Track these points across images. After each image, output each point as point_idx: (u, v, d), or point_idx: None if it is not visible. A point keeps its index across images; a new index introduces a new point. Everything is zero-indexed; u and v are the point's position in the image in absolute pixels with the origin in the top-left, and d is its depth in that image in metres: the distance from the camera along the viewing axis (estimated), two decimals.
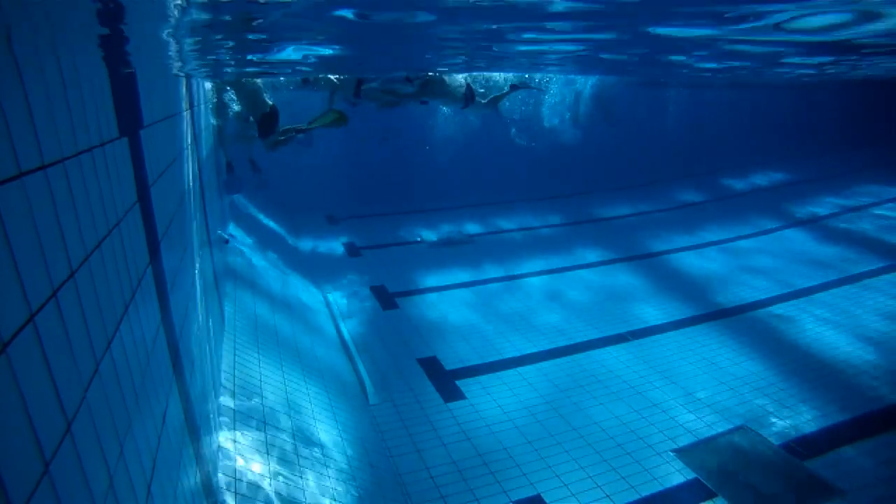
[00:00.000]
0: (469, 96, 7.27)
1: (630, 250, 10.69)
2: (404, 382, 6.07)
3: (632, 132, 16.30)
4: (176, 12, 1.74)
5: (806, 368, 6.18)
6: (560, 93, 14.87)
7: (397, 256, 10.54)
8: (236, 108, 6.96)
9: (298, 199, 12.47)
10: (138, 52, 2.45)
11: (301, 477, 3.77)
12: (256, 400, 4.39)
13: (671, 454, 4.87)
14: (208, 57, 3.20)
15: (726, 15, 2.54)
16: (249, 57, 3.48)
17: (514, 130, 14.51)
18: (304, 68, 4.84)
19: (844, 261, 9.64)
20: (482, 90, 8.01)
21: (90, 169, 1.67)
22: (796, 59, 5.19)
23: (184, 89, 4.30)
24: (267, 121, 6.96)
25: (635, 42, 3.69)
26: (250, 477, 3.44)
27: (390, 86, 7.22)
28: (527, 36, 3.34)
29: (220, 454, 3.47)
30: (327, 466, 4.10)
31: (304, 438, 4.27)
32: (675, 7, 2.33)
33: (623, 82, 14.08)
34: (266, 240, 9.63)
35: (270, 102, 7.14)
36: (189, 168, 4.17)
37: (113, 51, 2.13)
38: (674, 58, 5.03)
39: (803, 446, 4.88)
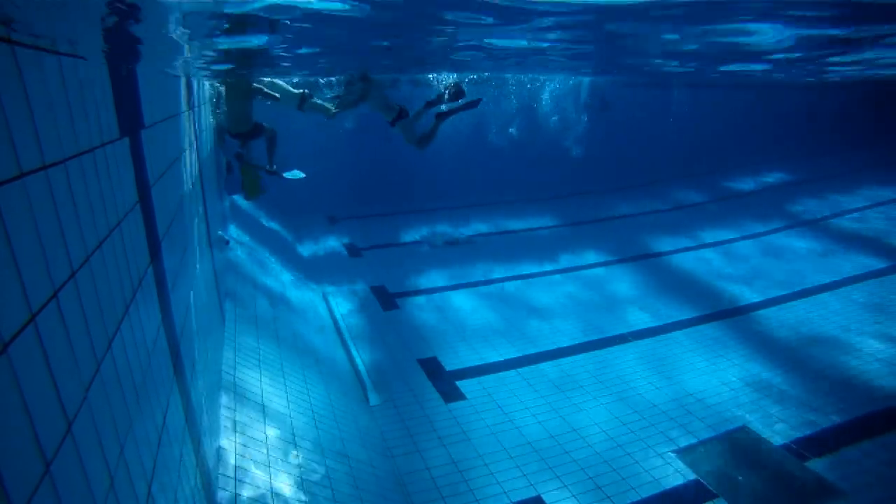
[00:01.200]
0: (402, 112, 6.60)
1: (630, 250, 10.69)
2: (405, 383, 6.06)
3: (632, 132, 16.30)
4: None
5: (806, 369, 6.17)
6: (557, 91, 14.91)
7: (397, 257, 10.54)
8: (222, 108, 6.74)
9: (299, 199, 12.47)
10: (139, 52, 2.46)
11: (301, 477, 3.76)
12: (257, 400, 4.39)
13: (672, 455, 4.86)
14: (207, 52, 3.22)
15: None
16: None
17: (512, 129, 14.50)
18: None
19: (845, 261, 9.63)
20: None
21: (91, 169, 1.67)
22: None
23: (184, 89, 4.30)
24: (242, 138, 6.75)
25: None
26: (250, 477, 3.44)
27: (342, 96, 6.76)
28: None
29: (220, 454, 3.47)
30: (328, 467, 4.10)
31: (305, 438, 4.26)
32: None
33: (622, 82, 14.10)
34: (266, 240, 9.64)
35: (267, 125, 6.98)
36: (190, 168, 4.17)
37: (114, 50, 2.13)
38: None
39: (804, 447, 4.88)
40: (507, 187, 14.71)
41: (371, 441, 4.99)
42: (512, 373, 6.28)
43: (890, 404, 5.44)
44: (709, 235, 11.53)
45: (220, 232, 6.70)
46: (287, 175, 7.96)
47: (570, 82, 14.80)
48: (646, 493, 4.44)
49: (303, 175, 8.11)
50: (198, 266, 3.98)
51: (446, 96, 6.66)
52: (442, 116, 6.74)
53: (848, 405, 5.45)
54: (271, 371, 5.05)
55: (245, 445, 3.72)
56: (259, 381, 4.70)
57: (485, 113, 14.70)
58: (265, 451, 3.81)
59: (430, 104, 6.74)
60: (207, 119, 6.51)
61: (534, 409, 5.59)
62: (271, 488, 3.46)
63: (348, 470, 4.25)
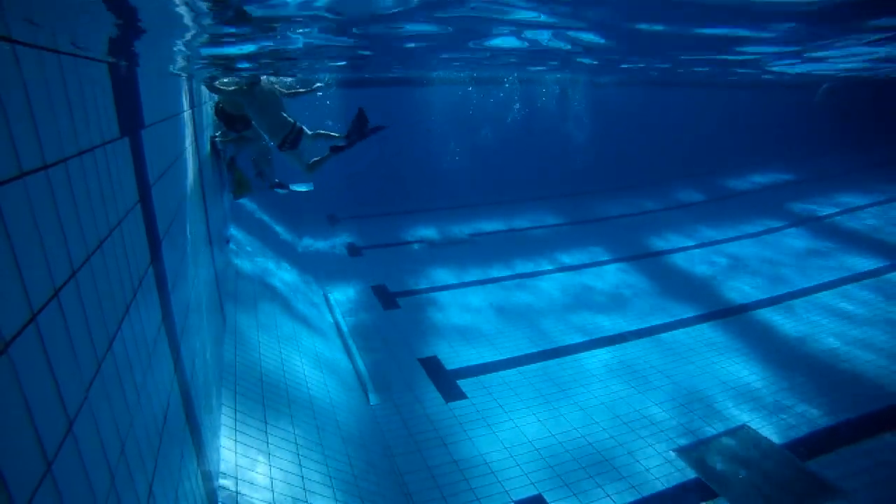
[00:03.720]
0: (294, 137, 6.15)
1: (630, 250, 10.69)
2: (405, 382, 6.07)
3: (632, 132, 16.30)
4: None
5: (807, 368, 6.17)
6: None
7: (398, 256, 10.54)
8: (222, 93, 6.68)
9: (299, 199, 12.46)
10: (140, 52, 2.46)
11: (302, 476, 3.77)
12: (257, 398, 4.39)
13: (672, 454, 4.87)
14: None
15: None
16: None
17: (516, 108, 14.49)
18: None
19: (845, 261, 9.63)
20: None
21: (91, 169, 1.68)
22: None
23: (185, 89, 4.30)
24: (226, 117, 6.60)
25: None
26: (251, 476, 3.45)
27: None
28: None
29: (221, 453, 3.47)
30: (328, 466, 4.10)
31: (305, 438, 4.27)
32: None
33: (622, 82, 14.10)
34: (267, 240, 9.64)
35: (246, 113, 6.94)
36: (190, 168, 4.17)
37: (114, 50, 2.14)
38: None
39: (804, 446, 4.88)
40: (507, 186, 14.71)
41: (371, 441, 4.99)
42: (513, 372, 6.28)
43: (890, 404, 5.45)
44: (708, 235, 11.54)
45: (220, 231, 6.70)
46: (294, 187, 8.12)
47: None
48: (646, 491, 4.44)
49: (310, 187, 8.27)
50: (198, 265, 3.98)
51: (349, 136, 6.36)
52: (337, 150, 6.48)
53: (848, 404, 5.45)
54: (272, 369, 5.05)
55: (246, 444, 3.72)
56: (259, 380, 4.71)
57: (485, 113, 14.71)
58: (266, 450, 3.82)
59: (338, 149, 6.47)
60: (209, 118, 6.51)
61: (535, 407, 5.59)
62: (272, 487, 3.46)
63: (348, 469, 4.25)
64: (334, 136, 6.52)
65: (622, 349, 6.76)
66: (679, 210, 13.98)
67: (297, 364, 5.53)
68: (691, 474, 4.60)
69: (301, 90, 6.67)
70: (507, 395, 5.81)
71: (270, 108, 6.09)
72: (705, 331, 7.21)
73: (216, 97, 6.77)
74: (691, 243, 11.02)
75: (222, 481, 3.23)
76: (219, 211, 6.78)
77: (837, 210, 13.02)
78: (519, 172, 14.96)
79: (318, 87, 6.98)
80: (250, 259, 7.95)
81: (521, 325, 7.46)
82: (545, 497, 4.40)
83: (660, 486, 4.50)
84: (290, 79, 7.40)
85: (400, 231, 12.04)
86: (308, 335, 6.56)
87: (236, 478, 3.35)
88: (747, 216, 12.80)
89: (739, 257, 10.07)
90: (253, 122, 6.38)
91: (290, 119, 6.18)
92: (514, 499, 4.39)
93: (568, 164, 15.33)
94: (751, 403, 5.55)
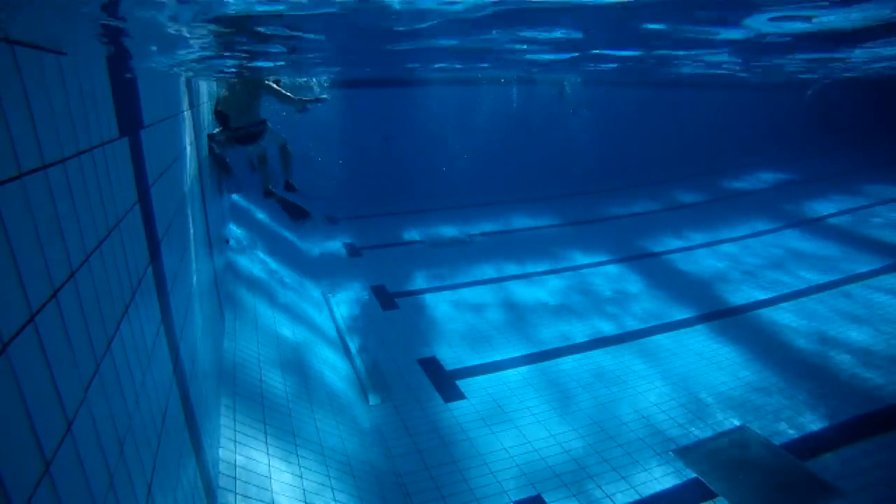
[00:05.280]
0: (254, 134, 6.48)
1: (630, 250, 10.69)
2: (404, 383, 6.07)
3: (632, 132, 16.32)
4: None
5: (806, 368, 6.18)
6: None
7: (397, 256, 10.54)
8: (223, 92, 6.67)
9: (298, 199, 12.47)
10: (139, 52, 2.45)
11: (301, 477, 3.77)
12: (256, 399, 4.39)
13: (671, 454, 4.87)
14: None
15: None
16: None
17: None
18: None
19: (845, 261, 9.64)
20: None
21: (90, 169, 1.67)
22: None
23: (184, 89, 4.30)
24: (222, 118, 6.57)
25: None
26: (250, 477, 3.44)
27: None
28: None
29: (220, 453, 3.47)
30: (328, 466, 4.10)
31: (305, 438, 4.27)
32: None
33: (619, 82, 14.11)
34: (266, 240, 9.63)
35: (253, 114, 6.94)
36: (190, 168, 4.17)
37: (114, 50, 2.14)
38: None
39: (804, 446, 4.88)
40: (507, 187, 14.71)
41: (371, 441, 4.99)
42: (512, 372, 6.28)
43: (889, 404, 5.45)
44: (708, 235, 11.54)
45: (220, 231, 6.70)
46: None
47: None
48: (646, 492, 4.44)
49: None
50: (198, 266, 3.98)
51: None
52: (269, 195, 7.39)
53: (848, 405, 5.45)
54: (271, 369, 5.05)
55: (245, 444, 3.72)
56: (259, 380, 4.71)
57: (484, 113, 14.73)
58: (265, 450, 3.81)
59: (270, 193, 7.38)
60: (209, 118, 6.51)
61: (534, 408, 5.59)
62: (271, 488, 3.46)
63: (348, 470, 4.25)
64: (287, 174, 7.42)
65: (622, 350, 6.76)
66: (679, 210, 13.99)
67: (295, 364, 5.53)
68: (690, 474, 4.60)
69: (308, 99, 6.76)
70: (507, 396, 5.81)
71: (247, 102, 6.36)
72: (705, 331, 7.21)
73: (216, 96, 6.77)
74: (691, 244, 11.02)
75: (222, 481, 3.22)
76: (218, 211, 6.78)
77: (838, 210, 13.03)
78: (518, 172, 14.96)
79: (323, 98, 7.10)
80: (249, 259, 7.95)
81: (521, 325, 7.46)
82: (544, 497, 4.40)
83: (659, 486, 4.50)
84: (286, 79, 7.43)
85: (399, 231, 12.04)
86: (307, 335, 6.56)
87: (235, 478, 3.34)
88: (747, 216, 12.80)
89: (740, 257, 10.07)
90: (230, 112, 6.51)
91: (261, 118, 6.46)
92: (513, 499, 4.39)
93: (568, 165, 15.34)
94: (750, 404, 5.55)
